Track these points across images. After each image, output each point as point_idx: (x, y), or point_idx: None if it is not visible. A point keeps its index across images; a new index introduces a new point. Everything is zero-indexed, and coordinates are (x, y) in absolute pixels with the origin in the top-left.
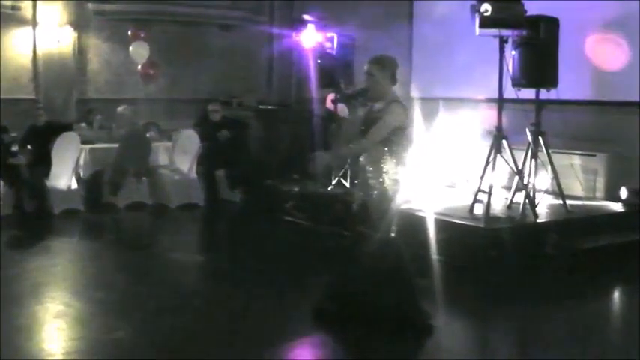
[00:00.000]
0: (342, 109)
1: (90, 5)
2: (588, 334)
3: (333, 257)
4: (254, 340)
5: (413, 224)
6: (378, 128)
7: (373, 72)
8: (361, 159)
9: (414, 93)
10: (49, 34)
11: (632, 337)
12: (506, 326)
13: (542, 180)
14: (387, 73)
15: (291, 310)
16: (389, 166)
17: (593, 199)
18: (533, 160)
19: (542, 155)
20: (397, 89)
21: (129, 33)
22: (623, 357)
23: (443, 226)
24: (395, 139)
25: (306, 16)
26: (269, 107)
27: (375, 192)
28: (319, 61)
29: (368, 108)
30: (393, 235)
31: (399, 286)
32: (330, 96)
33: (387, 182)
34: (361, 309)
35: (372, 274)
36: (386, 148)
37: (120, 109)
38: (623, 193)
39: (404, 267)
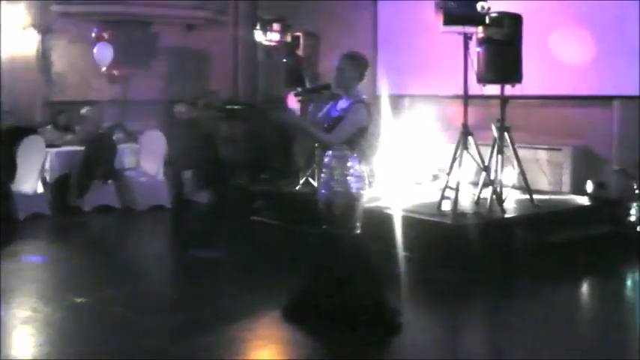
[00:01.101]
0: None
1: (53, 7)
2: (557, 327)
3: (301, 256)
4: (225, 340)
5: (380, 222)
6: (343, 128)
7: (344, 67)
8: (325, 157)
9: (380, 90)
10: (13, 36)
11: (602, 329)
12: (476, 322)
13: (508, 175)
14: (357, 72)
15: (259, 309)
16: (353, 163)
17: (560, 192)
18: (499, 156)
19: (508, 150)
20: (363, 86)
21: (93, 34)
22: (594, 348)
23: (411, 223)
24: (358, 138)
25: (270, 16)
26: (235, 107)
27: (339, 190)
28: (284, 60)
29: (330, 105)
30: (358, 232)
31: (365, 284)
32: (291, 96)
33: (351, 180)
34: (328, 308)
35: (337, 273)
36: (349, 146)
37: (83, 110)
38: (589, 186)
39: (369, 264)
